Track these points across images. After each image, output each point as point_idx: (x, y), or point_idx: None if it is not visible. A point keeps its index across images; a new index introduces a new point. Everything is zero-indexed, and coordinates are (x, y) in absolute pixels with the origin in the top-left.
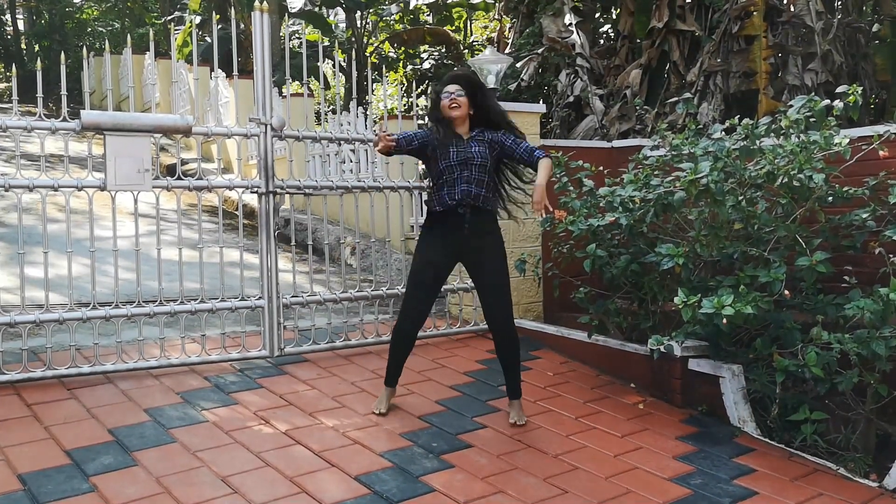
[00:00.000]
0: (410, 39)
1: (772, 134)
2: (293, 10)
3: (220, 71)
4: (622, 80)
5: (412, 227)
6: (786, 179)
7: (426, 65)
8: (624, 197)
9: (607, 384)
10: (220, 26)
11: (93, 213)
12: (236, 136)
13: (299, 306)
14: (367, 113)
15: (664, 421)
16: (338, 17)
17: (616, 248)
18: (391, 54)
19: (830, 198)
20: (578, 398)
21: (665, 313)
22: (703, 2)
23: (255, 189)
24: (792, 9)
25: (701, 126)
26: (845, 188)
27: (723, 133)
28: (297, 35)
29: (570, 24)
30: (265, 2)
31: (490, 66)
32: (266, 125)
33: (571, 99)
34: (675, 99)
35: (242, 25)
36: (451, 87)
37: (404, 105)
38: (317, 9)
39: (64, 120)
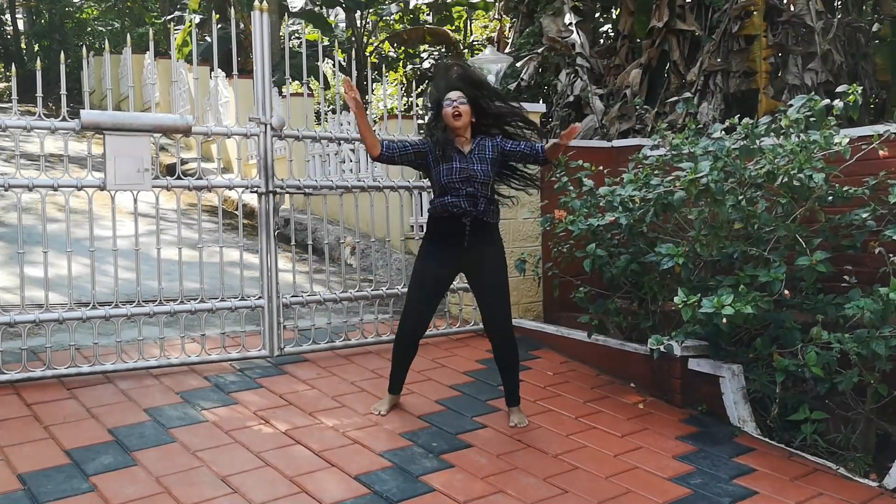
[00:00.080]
0: (410, 39)
1: (772, 133)
2: (293, 10)
3: (219, 70)
4: (622, 80)
5: (412, 226)
6: (786, 179)
7: (426, 64)
8: (624, 196)
9: (607, 384)
10: (219, 26)
11: (92, 212)
12: (236, 136)
13: (299, 306)
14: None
15: (664, 421)
16: (338, 16)
17: (616, 247)
18: (391, 54)
19: (830, 197)
20: (578, 398)
21: (665, 313)
22: (703, 1)
23: (255, 189)
24: (792, 8)
25: (701, 125)
26: (845, 188)
27: (723, 132)
28: (296, 35)
29: (570, 24)
30: (265, 1)
31: (490, 65)
32: (266, 125)
33: (571, 98)
34: (675, 98)
35: (242, 25)
36: (454, 94)
37: (404, 105)
38: (317, 8)
39: (63, 119)
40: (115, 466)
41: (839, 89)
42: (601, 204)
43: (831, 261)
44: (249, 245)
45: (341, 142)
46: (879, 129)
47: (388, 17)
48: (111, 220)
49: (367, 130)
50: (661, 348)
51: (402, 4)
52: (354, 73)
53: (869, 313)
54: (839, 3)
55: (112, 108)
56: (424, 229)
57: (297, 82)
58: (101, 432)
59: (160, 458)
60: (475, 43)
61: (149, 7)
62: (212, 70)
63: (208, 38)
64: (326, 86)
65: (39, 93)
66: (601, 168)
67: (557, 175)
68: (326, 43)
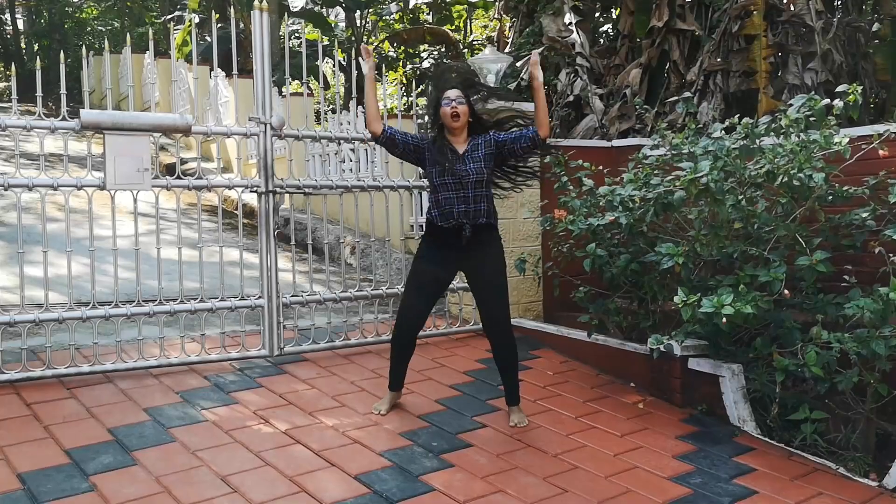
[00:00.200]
0: (410, 39)
1: (772, 133)
2: (293, 10)
3: (219, 70)
4: (622, 80)
5: (412, 226)
6: (786, 179)
7: (426, 64)
8: (624, 196)
9: (607, 383)
10: (219, 25)
11: (92, 212)
12: (236, 136)
13: (299, 306)
14: None
15: (664, 420)
16: (338, 16)
17: (616, 247)
18: (391, 54)
19: (830, 197)
20: (578, 397)
21: (665, 313)
22: (703, 1)
23: (255, 188)
24: (792, 8)
25: (701, 125)
26: (845, 187)
27: (723, 132)
28: (296, 34)
29: (570, 24)
30: (265, 1)
31: (490, 65)
32: (266, 124)
33: (571, 98)
34: (675, 98)
35: (242, 25)
36: (452, 94)
37: (404, 105)
38: (317, 8)
39: (63, 119)
40: (115, 466)
41: (839, 89)
42: (601, 204)
43: (831, 260)
44: (249, 245)
45: (341, 141)
46: (879, 128)
47: (387, 17)
48: (111, 219)
49: (374, 103)
50: (661, 348)
51: (401, 4)
52: (354, 72)
53: (869, 313)
54: (839, 2)
55: (112, 107)
56: (424, 229)
57: (296, 82)
58: (101, 432)
59: (160, 457)
60: (475, 42)
61: (148, 7)
62: (212, 70)
63: (208, 38)
64: (326, 85)
65: (39, 92)
66: (601, 168)
67: (557, 174)
68: (326, 43)
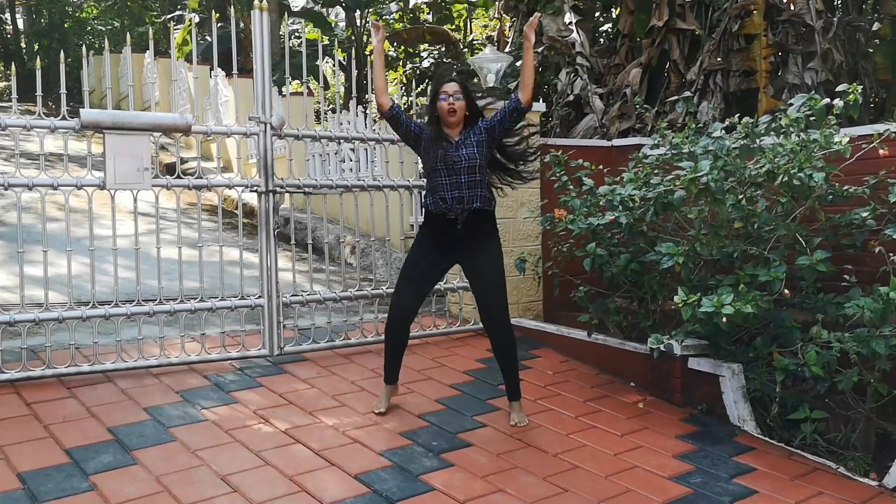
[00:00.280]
0: (410, 38)
1: (772, 132)
2: (293, 9)
3: (219, 70)
4: (622, 79)
5: (412, 225)
6: (786, 178)
7: (426, 63)
8: (624, 196)
9: (607, 383)
10: (219, 25)
11: (92, 211)
12: (236, 135)
13: (299, 305)
14: (367, 112)
15: (664, 420)
16: (338, 16)
17: (616, 246)
18: (391, 53)
19: (830, 196)
20: (578, 397)
21: (665, 312)
22: (703, 0)
23: (255, 188)
24: (792, 7)
25: (701, 125)
26: (845, 187)
27: (723, 132)
28: (296, 34)
29: (570, 23)
30: (265, 0)
31: (490, 64)
32: (266, 124)
33: (571, 98)
34: (675, 98)
35: (242, 24)
36: (450, 88)
37: (404, 104)
38: (317, 8)
39: (63, 118)
40: (115, 465)
41: (839, 88)
42: (601, 203)
43: (831, 260)
44: (249, 244)
45: (341, 141)
46: (879, 128)
47: (387, 17)
48: (111, 219)
49: (382, 75)
50: (661, 347)
51: (401, 3)
52: (354, 72)
53: (869, 312)
54: (839, 2)
55: (112, 107)
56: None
57: (296, 81)
58: (101, 431)
59: (160, 457)
60: (475, 42)
61: (148, 6)
62: (212, 69)
63: (208, 38)
64: (326, 85)
65: (39, 92)
66: (601, 167)
67: (557, 174)
68: (326, 42)
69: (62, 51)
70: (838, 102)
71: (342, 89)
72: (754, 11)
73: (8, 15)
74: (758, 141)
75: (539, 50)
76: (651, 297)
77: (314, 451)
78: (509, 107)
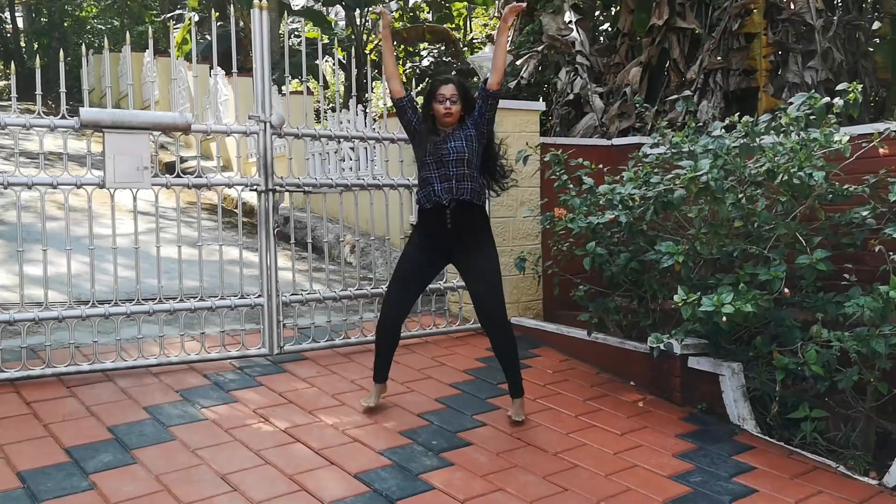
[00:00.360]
0: (410, 37)
1: (772, 131)
2: (293, 8)
3: (219, 69)
4: (622, 78)
5: (411, 224)
6: (786, 177)
7: (425, 62)
8: (624, 195)
9: (607, 382)
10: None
11: (92, 210)
12: (235, 134)
13: (299, 304)
14: (367, 111)
15: (664, 419)
16: (337, 15)
17: (616, 245)
18: None
19: (830, 195)
20: (578, 396)
21: (665, 311)
22: None
23: (255, 187)
24: (792, 6)
25: (701, 124)
26: (845, 186)
27: (723, 131)
28: (296, 33)
29: (570, 22)
30: None
31: (490, 63)
32: (265, 123)
33: (571, 97)
34: (675, 97)
35: (242, 23)
36: (447, 91)
37: None
38: (317, 6)
39: (63, 117)
40: (115, 464)
41: (839, 87)
42: (601, 202)
43: (831, 259)
44: (249, 243)
45: (341, 140)
46: (879, 127)
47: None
48: (111, 218)
49: (392, 60)
50: (661, 346)
51: (401, 2)
52: (354, 70)
53: (869, 311)
54: (839, 1)
55: (111, 106)
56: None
57: (296, 80)
58: (101, 430)
59: (160, 456)
60: (475, 41)
61: (148, 5)
62: (211, 68)
63: (208, 37)
64: (326, 84)
65: (39, 91)
66: (601, 166)
67: (557, 173)
68: (326, 41)
69: (62, 49)
70: (838, 101)
71: (342, 88)
72: (754, 10)
73: (8, 14)
74: (758, 140)
75: (539, 49)
76: (651, 296)
77: (314, 450)
78: (481, 96)
